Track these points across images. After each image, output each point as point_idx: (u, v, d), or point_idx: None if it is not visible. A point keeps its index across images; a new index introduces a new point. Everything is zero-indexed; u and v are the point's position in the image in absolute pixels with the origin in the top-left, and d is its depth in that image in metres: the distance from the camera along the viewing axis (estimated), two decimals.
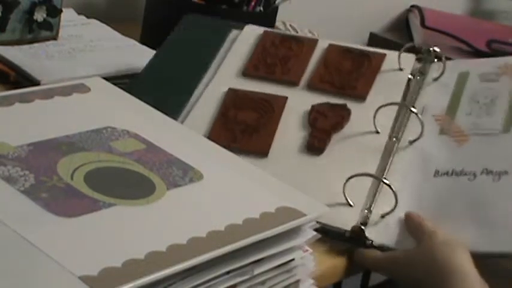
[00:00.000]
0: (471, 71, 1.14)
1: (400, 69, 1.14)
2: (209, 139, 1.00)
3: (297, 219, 0.75)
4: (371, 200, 0.97)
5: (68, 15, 1.36)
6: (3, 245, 0.65)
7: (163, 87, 1.12)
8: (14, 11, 1.23)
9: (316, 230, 0.78)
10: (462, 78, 1.13)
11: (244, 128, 1.04)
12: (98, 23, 1.41)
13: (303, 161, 1.02)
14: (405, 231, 0.95)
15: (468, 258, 0.89)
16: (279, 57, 1.15)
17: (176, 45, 1.19)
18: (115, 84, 0.94)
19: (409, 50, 1.17)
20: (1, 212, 0.68)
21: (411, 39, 1.83)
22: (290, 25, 1.58)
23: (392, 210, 0.96)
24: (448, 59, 1.17)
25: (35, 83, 1.13)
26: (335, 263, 0.93)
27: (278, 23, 1.52)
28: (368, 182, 0.98)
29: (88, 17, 1.42)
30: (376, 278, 1.39)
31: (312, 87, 1.11)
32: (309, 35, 1.51)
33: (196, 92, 1.11)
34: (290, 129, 1.05)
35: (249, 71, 1.13)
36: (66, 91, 0.89)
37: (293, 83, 1.12)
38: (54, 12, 1.27)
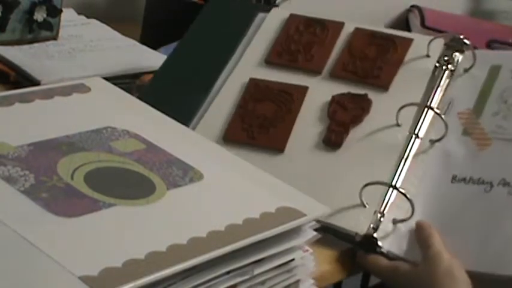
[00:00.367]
0: (504, 64, 1.06)
1: (428, 56, 1.09)
2: (226, 133, 1.02)
3: (297, 219, 0.74)
4: (385, 204, 0.95)
5: (68, 15, 1.36)
6: (3, 245, 0.65)
7: (186, 78, 1.12)
8: (14, 11, 1.23)
9: (316, 229, 0.77)
10: (493, 72, 1.05)
11: (262, 121, 1.04)
12: (98, 23, 1.41)
13: (319, 156, 1.00)
14: (415, 241, 0.92)
15: None
16: (302, 44, 1.13)
17: (201, 31, 1.17)
18: (115, 84, 0.94)
19: None
20: (1, 212, 0.68)
21: None
22: None
23: (405, 220, 0.94)
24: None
25: (35, 83, 1.13)
26: (335, 263, 0.93)
27: None
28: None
29: (88, 17, 1.42)
30: (376, 278, 1.39)
31: (334, 75, 1.09)
32: None
33: (219, 82, 1.10)
34: (308, 122, 1.04)
35: (272, 58, 1.11)
36: (66, 91, 0.89)
37: (315, 72, 1.10)
38: (54, 12, 1.27)
